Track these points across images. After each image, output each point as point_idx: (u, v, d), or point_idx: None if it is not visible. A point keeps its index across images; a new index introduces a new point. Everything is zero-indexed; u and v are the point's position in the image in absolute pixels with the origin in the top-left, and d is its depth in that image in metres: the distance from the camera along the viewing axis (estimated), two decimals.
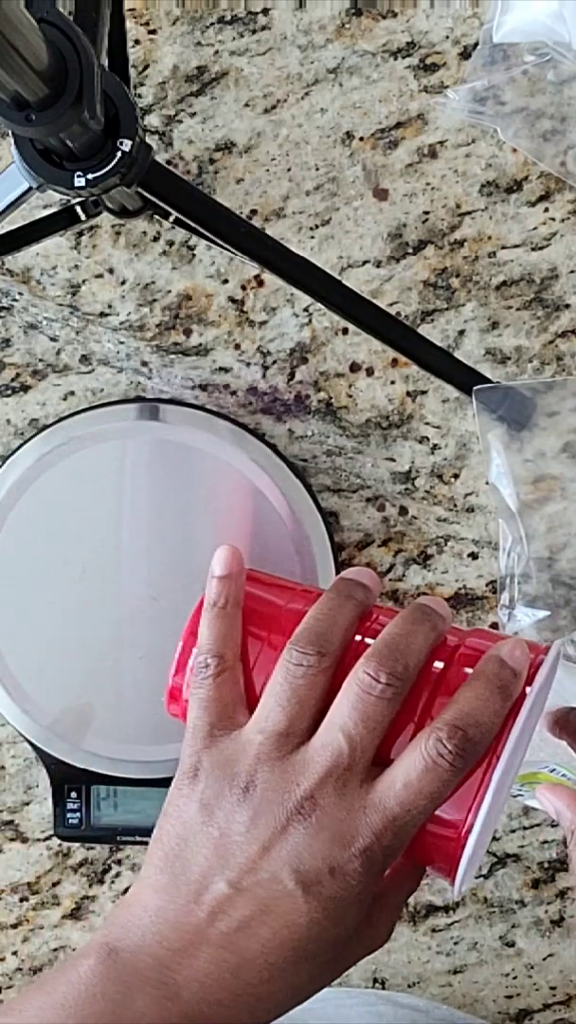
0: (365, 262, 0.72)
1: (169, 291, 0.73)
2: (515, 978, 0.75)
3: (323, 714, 0.40)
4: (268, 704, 0.40)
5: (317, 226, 0.72)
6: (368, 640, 0.42)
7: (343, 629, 0.41)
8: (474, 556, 0.73)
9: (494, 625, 0.73)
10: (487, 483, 0.72)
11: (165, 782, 0.69)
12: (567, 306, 0.72)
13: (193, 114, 0.73)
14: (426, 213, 0.72)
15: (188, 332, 0.73)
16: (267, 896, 0.37)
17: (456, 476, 0.73)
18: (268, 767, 0.39)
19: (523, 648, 0.41)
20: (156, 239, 0.73)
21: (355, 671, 0.40)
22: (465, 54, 0.72)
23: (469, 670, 0.41)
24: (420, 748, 0.38)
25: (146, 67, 0.72)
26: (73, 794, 0.71)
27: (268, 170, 0.72)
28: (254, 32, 0.72)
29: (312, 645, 0.40)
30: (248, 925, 0.37)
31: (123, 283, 0.73)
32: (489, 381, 0.69)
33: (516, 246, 0.72)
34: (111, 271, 0.73)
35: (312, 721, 0.40)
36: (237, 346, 0.73)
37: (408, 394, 0.73)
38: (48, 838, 0.75)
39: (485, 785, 0.39)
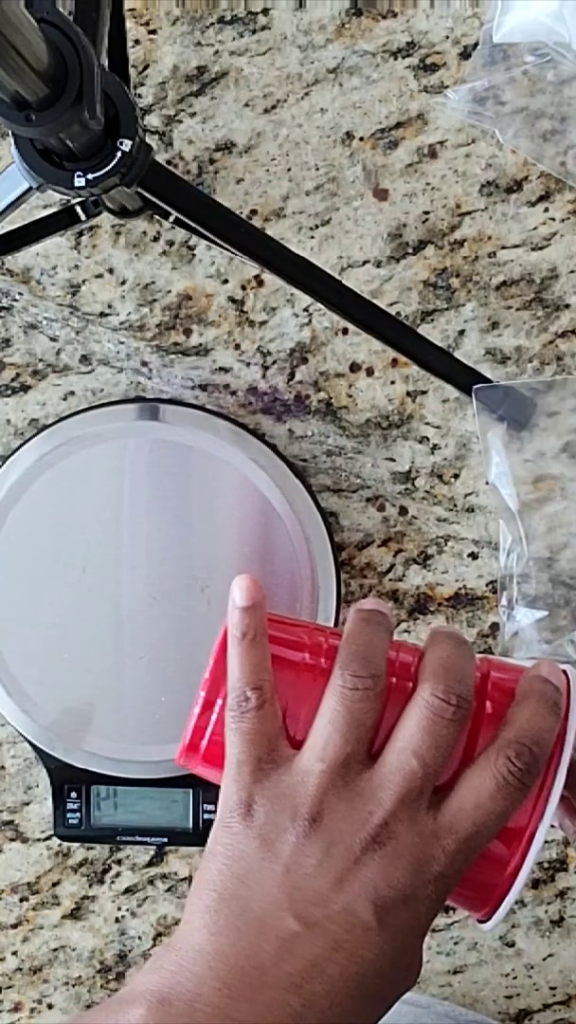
0: (365, 262, 0.72)
1: (169, 291, 0.73)
2: (515, 978, 0.75)
3: (375, 739, 0.39)
4: (325, 731, 0.39)
5: (317, 226, 0.72)
6: (398, 668, 0.41)
7: (383, 652, 0.40)
8: (474, 556, 0.73)
9: (494, 625, 0.73)
10: (487, 483, 0.72)
11: (165, 782, 0.70)
12: (567, 306, 0.72)
13: (193, 114, 0.73)
14: (426, 213, 0.72)
15: (188, 332, 0.73)
16: (339, 931, 0.36)
17: (456, 476, 0.73)
18: (335, 796, 0.38)
19: (558, 668, 0.41)
20: (156, 239, 0.73)
21: (420, 694, 0.39)
22: (465, 54, 0.72)
23: (488, 706, 0.41)
24: (490, 768, 0.38)
25: (146, 67, 0.72)
26: (73, 794, 0.71)
27: (268, 170, 0.72)
28: (254, 32, 0.72)
29: (364, 668, 0.39)
30: (317, 964, 0.35)
31: (123, 283, 0.73)
32: (489, 381, 0.69)
33: (516, 246, 0.72)
34: (111, 271, 0.73)
35: (370, 745, 0.39)
36: (237, 346, 0.73)
37: (408, 394, 0.73)
38: (48, 838, 0.75)
39: (539, 812, 0.38)
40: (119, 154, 0.51)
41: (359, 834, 0.37)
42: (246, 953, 0.35)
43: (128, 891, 0.76)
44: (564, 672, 0.42)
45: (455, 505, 0.73)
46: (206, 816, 0.70)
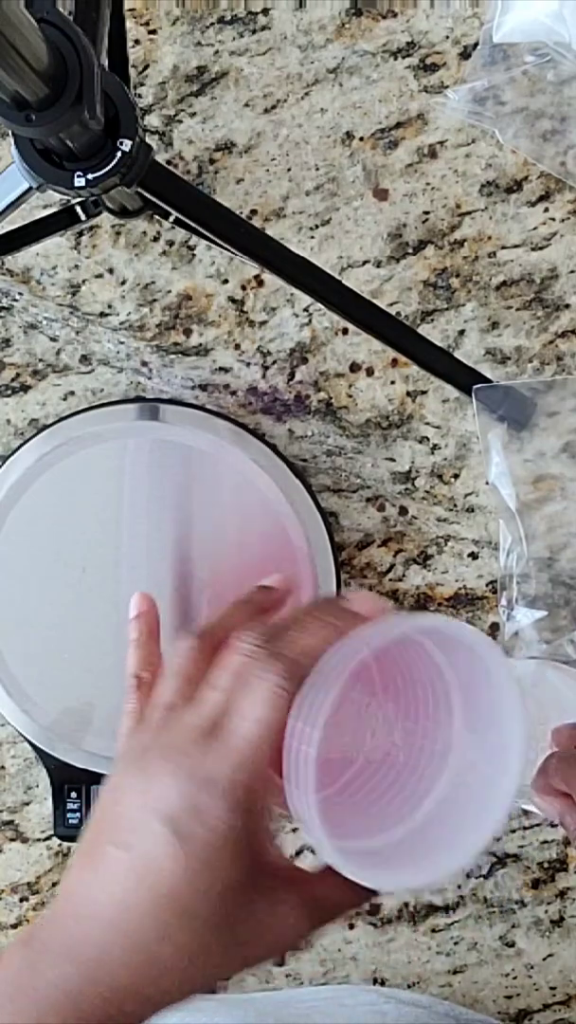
0: (365, 262, 0.72)
1: (169, 291, 0.73)
2: (515, 978, 0.75)
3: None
4: (161, 683, 0.45)
5: (317, 226, 0.72)
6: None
7: (230, 625, 0.45)
8: (474, 556, 0.73)
9: (494, 625, 0.73)
10: (487, 483, 0.72)
11: None
12: (567, 306, 0.72)
13: (193, 114, 0.73)
14: (426, 213, 0.72)
15: (188, 332, 0.73)
16: (147, 850, 0.40)
17: (456, 476, 0.73)
18: (155, 733, 0.43)
19: (374, 599, 0.44)
20: (156, 239, 0.73)
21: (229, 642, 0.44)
22: (465, 54, 0.72)
23: None
24: (253, 678, 0.41)
25: (146, 67, 0.72)
26: (73, 794, 0.71)
27: (268, 170, 0.72)
28: (254, 32, 0.72)
29: (194, 636, 0.45)
30: (136, 885, 0.39)
31: (123, 283, 0.73)
32: (489, 381, 0.69)
33: (516, 246, 0.72)
34: (111, 271, 0.73)
35: (194, 692, 0.44)
36: (237, 346, 0.73)
37: (408, 394, 0.73)
38: (48, 838, 0.75)
39: (309, 734, 0.40)
40: (119, 154, 0.51)
41: (160, 760, 0.41)
42: (82, 882, 0.41)
43: None
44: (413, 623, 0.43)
45: (455, 505, 0.73)
46: None
